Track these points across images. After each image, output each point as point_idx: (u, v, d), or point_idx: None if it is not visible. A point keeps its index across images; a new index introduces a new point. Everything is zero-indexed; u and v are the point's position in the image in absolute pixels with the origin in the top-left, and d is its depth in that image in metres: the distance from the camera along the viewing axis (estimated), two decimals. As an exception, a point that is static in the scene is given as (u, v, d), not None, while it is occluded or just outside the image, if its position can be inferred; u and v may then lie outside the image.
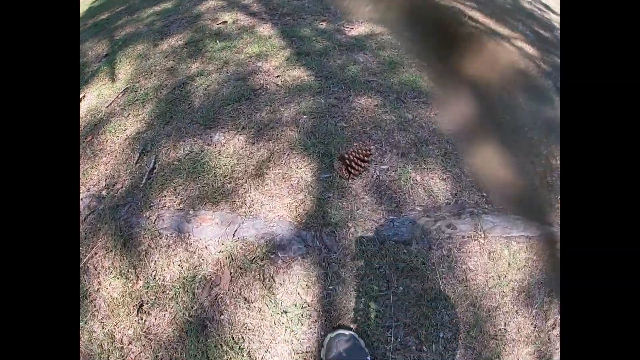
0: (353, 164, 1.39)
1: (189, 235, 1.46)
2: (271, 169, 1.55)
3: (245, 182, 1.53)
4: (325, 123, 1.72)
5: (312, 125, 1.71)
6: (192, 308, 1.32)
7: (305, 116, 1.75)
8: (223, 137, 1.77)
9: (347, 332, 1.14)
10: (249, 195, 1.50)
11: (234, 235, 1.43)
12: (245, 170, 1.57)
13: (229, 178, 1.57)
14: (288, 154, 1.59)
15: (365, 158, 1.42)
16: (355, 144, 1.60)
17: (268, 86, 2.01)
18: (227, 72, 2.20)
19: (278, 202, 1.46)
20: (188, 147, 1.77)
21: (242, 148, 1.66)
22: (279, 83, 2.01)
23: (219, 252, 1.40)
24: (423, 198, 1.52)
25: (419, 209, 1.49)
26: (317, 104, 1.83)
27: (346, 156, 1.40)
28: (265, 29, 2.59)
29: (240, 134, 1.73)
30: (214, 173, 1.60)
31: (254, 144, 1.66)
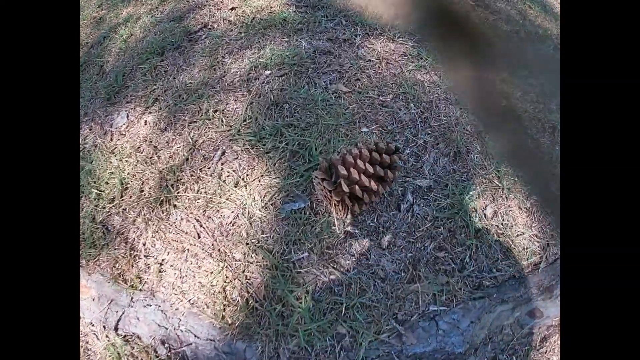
0: (358, 187, 0.51)
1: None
2: (185, 186, 0.71)
3: (139, 214, 0.71)
4: (304, 85, 0.82)
5: (280, 89, 0.82)
6: None
7: (267, 72, 0.85)
8: (126, 119, 0.92)
9: None
10: (143, 245, 0.68)
11: (116, 327, 0.65)
12: (142, 190, 0.74)
13: (117, 204, 0.75)
14: (223, 153, 0.73)
15: (388, 173, 0.52)
16: (365, 129, 0.71)
17: (214, 25, 1.10)
18: (162, 13, 1.29)
19: (192, 267, 0.64)
20: (80, 141, 0.95)
21: (145, 140, 0.82)
22: (232, 18, 1.09)
23: (105, 349, 0.65)
24: (495, 257, 0.65)
25: (487, 283, 0.63)
26: (293, 49, 0.92)
27: (342, 169, 0.51)
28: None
29: (150, 112, 0.88)
30: (99, 192, 0.78)
31: (165, 130, 0.81)
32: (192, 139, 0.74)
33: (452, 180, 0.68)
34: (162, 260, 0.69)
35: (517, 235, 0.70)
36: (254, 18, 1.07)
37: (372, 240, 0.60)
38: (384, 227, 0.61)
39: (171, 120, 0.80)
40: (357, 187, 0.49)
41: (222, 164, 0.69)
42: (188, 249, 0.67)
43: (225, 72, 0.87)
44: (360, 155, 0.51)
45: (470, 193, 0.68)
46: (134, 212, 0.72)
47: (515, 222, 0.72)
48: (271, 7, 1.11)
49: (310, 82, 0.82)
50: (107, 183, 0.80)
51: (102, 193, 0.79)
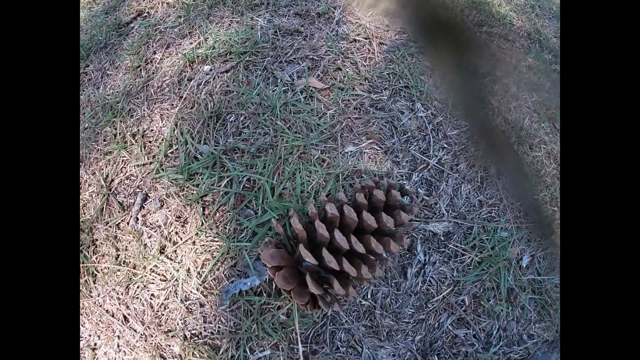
0: (337, 281, 0.25)
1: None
2: (101, 251, 0.46)
3: (47, 289, 0.48)
4: (258, 83, 0.53)
5: (222, 92, 0.54)
6: None
7: (207, 68, 0.57)
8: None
9: None
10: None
11: None
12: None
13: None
14: (144, 199, 0.47)
15: (390, 245, 0.26)
16: (350, 149, 0.44)
17: (151, 11, 0.79)
18: (99, 4, 0.97)
19: (128, 359, 0.41)
20: None
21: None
22: (171, 0, 0.78)
23: None
24: (528, 319, 0.42)
25: (516, 357, 0.40)
26: (244, 31, 0.62)
27: (307, 255, 0.25)
28: None
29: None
30: None
31: (80, 167, 0.55)
32: (106, 178, 0.49)
33: (479, 219, 0.41)
34: (95, 344, 0.47)
35: (555, 285, 0.45)
36: (198, -5, 0.76)
37: (365, 327, 0.36)
38: (382, 306, 0.36)
39: (85, 151, 0.54)
40: (335, 281, 0.25)
41: (143, 217, 0.44)
42: (118, 335, 0.44)
43: (153, 73, 0.59)
44: (342, 218, 0.25)
45: (504, 238, 0.42)
46: (44, 285, 0.49)
47: (552, 265, 0.46)
48: (220, -22, 0.79)
49: (268, 78, 0.53)
50: None
51: None
